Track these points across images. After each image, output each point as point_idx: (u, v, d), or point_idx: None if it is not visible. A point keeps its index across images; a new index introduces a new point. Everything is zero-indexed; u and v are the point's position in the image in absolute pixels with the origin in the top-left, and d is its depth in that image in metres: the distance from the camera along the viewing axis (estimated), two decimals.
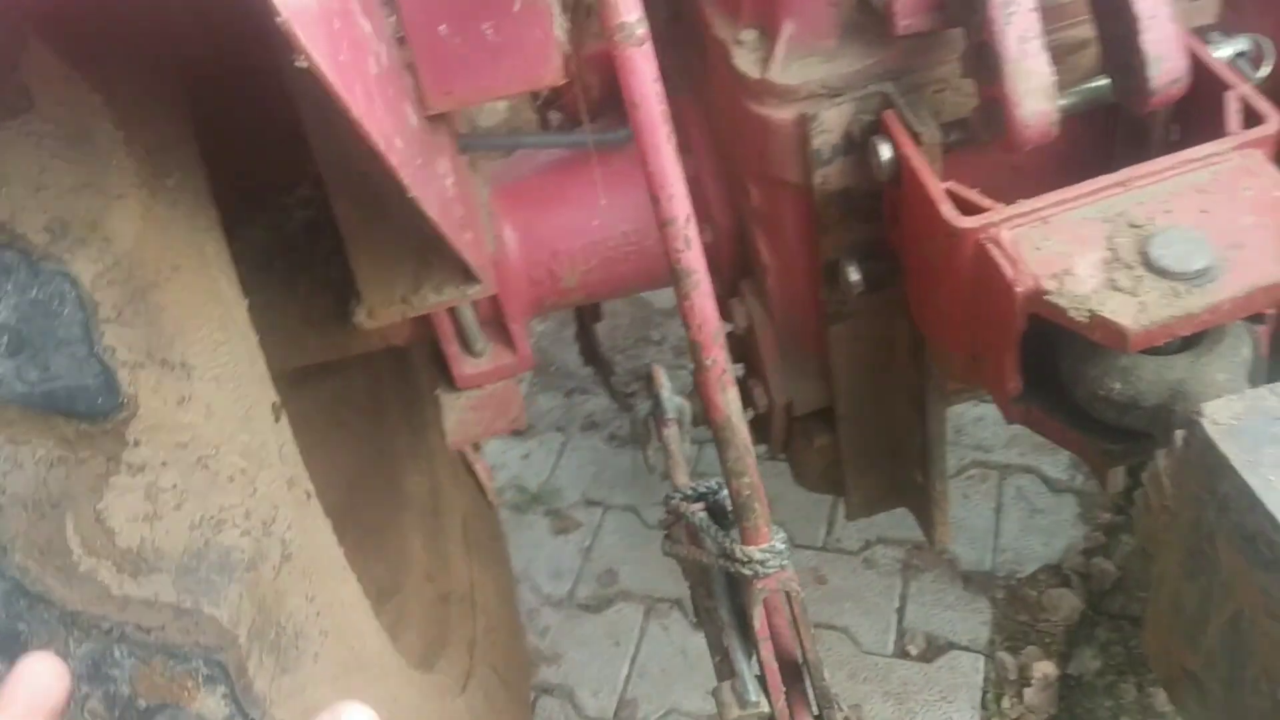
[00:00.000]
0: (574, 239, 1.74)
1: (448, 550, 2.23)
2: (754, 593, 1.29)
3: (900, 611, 2.43)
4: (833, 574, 2.52)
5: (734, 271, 1.73)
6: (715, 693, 1.34)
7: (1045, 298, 1.16)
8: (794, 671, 1.39)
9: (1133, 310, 1.12)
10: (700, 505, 1.41)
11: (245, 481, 1.06)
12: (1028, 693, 2.26)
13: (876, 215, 1.48)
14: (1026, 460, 2.66)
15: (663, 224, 1.17)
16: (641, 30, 1.11)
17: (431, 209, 1.25)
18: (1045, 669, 2.28)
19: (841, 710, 1.36)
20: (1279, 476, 0.92)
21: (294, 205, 1.77)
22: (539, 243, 1.74)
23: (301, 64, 0.79)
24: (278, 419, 1.20)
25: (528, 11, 1.19)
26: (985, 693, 2.27)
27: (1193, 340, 1.19)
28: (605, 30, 1.12)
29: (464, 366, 1.78)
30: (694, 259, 1.18)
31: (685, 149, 1.71)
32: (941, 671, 2.32)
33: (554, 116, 2.02)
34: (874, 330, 1.61)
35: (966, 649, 2.34)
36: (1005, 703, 2.25)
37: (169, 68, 1.11)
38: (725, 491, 1.38)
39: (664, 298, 3.20)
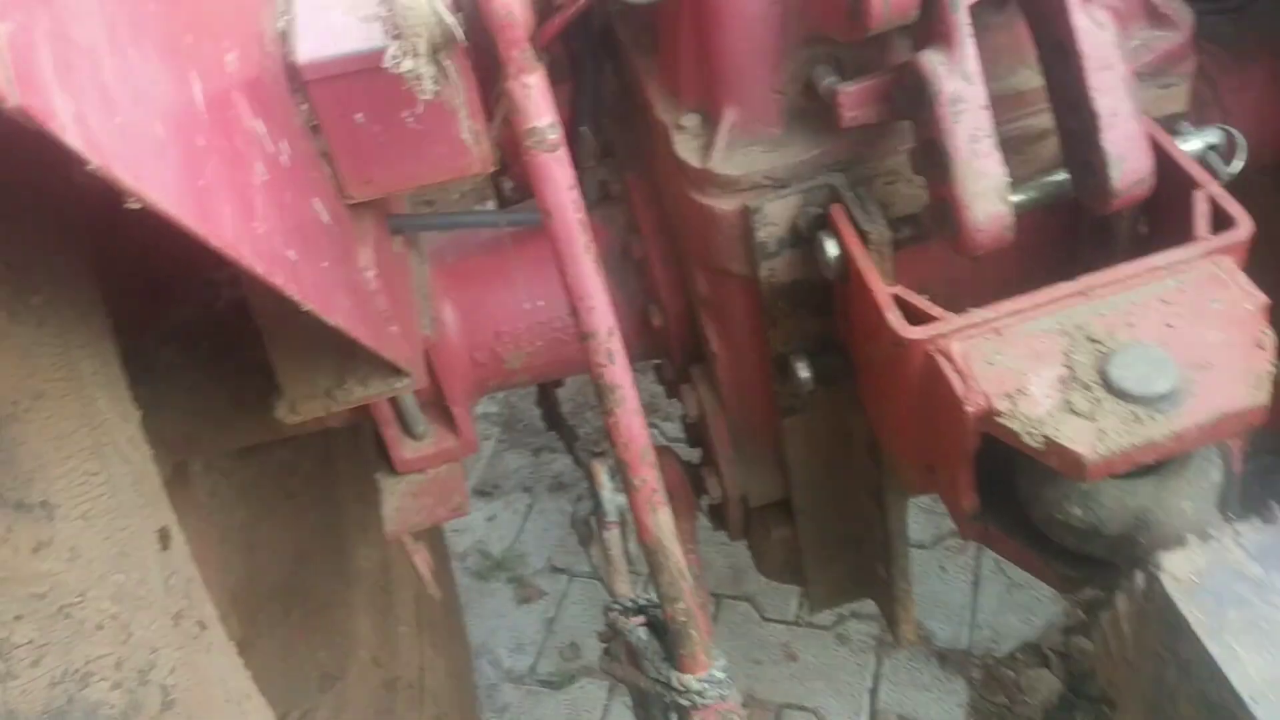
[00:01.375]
0: (518, 320, 1.66)
1: (398, 631, 2.13)
2: None
3: (873, 692, 2.33)
4: (804, 650, 2.43)
5: (684, 356, 1.64)
6: None
7: (997, 419, 1.08)
8: None
9: (1090, 437, 1.03)
10: (641, 619, 1.32)
11: (117, 628, 0.97)
12: None
13: (827, 309, 1.39)
14: None
15: (584, 337, 1.09)
16: (554, 136, 1.03)
17: (338, 314, 1.16)
18: None
19: None
20: (1244, 645, 0.83)
21: (223, 283, 1.68)
22: (481, 323, 1.65)
23: (133, 205, 0.70)
24: (167, 545, 1.11)
25: (434, 109, 1.11)
26: None
27: (1158, 464, 1.10)
28: (517, 135, 1.04)
29: (403, 450, 1.69)
30: (618, 374, 1.10)
31: (633, 229, 1.64)
32: None
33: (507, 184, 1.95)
34: (829, 424, 1.53)
35: None
36: None
37: (33, 171, 1.02)
38: (657, 610, 1.29)
39: None
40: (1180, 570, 0.87)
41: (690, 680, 1.19)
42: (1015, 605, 2.41)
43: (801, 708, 2.31)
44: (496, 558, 2.72)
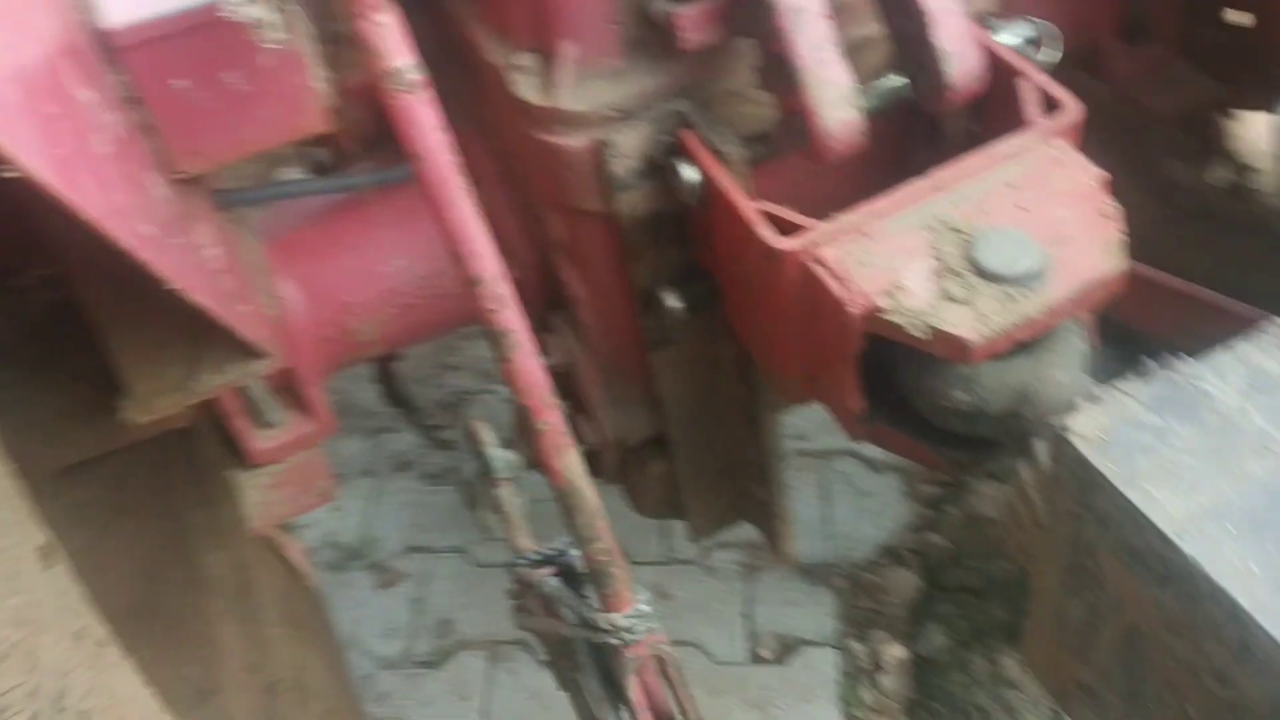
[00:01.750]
0: (365, 289, 1.60)
1: (267, 634, 2.04)
2: (625, 662, 1.19)
3: (747, 616, 2.39)
4: (675, 587, 2.46)
5: (543, 305, 1.62)
6: None
7: (881, 316, 1.11)
8: None
9: (971, 321, 1.08)
10: (550, 570, 1.30)
11: (22, 655, 0.89)
12: (883, 680, 2.25)
13: (687, 237, 1.40)
14: (845, 444, 2.65)
15: (471, 284, 1.05)
16: (414, 76, 0.99)
17: (198, 291, 1.09)
18: (895, 653, 2.28)
19: None
20: (1159, 488, 0.88)
21: (32, 287, 1.55)
22: (326, 297, 1.58)
23: (10, 174, 0.63)
24: (50, 563, 1.02)
25: (278, 59, 1.04)
26: (843, 686, 2.25)
27: (1028, 341, 1.16)
28: (374, 77, 1.00)
29: (257, 441, 1.61)
30: (510, 318, 1.07)
31: (474, 182, 1.59)
32: (797, 671, 2.29)
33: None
34: (698, 353, 1.54)
35: (817, 644, 2.32)
36: (864, 693, 2.24)
37: None
38: (573, 552, 1.28)
39: None
40: (1087, 429, 0.92)
41: (618, 618, 1.18)
42: (866, 512, 2.51)
43: (683, 642, 2.34)
44: (350, 546, 2.63)
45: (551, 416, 1.12)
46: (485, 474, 1.42)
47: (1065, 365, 1.15)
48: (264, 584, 2.09)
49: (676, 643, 2.27)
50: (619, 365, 1.58)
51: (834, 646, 2.32)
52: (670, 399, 1.59)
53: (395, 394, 2.38)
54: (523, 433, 1.14)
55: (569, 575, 1.30)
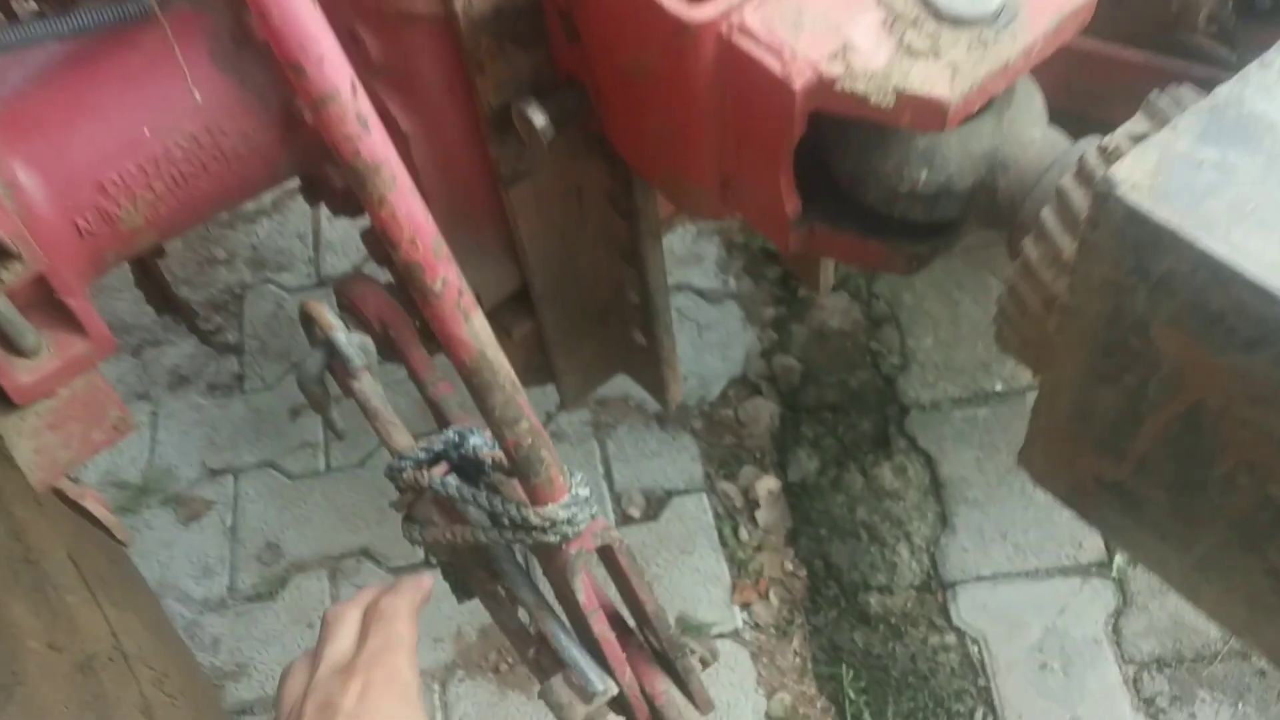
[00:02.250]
0: (123, 160, 1.24)
1: (65, 602, 1.70)
2: (570, 559, 0.97)
3: (608, 476, 2.21)
4: None
5: None
6: (545, 695, 1.03)
7: (834, 88, 0.89)
8: (626, 630, 1.11)
9: (944, 76, 0.88)
10: (443, 469, 1.05)
11: None
12: (760, 515, 2.14)
13: (541, 37, 1.13)
14: (674, 278, 2.47)
15: (319, 104, 0.76)
16: None
17: None
18: (768, 485, 2.17)
19: (694, 651, 1.10)
20: (1240, 233, 0.72)
21: None
22: (74, 178, 1.22)
23: None
24: None
25: None
26: (720, 530, 2.12)
27: (994, 97, 0.97)
28: None
29: (18, 375, 1.25)
30: (378, 146, 0.79)
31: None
32: (670, 524, 2.14)
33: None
34: (560, 183, 1.29)
35: (686, 492, 2.17)
36: (742, 533, 2.11)
37: None
38: (473, 439, 1.04)
39: None
40: (1136, 176, 0.75)
41: (555, 510, 0.95)
42: (710, 346, 2.36)
43: None
44: (138, 484, 2.27)
45: (448, 271, 0.86)
46: (336, 364, 1.14)
47: (1034, 121, 0.98)
48: (48, 547, 1.73)
49: None
50: (466, 211, 1.31)
51: (703, 491, 2.18)
52: (531, 244, 1.34)
53: (162, 297, 2.01)
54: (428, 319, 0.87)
55: (467, 470, 1.06)
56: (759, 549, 2.10)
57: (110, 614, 1.74)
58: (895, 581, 2.00)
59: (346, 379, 1.15)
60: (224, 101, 1.28)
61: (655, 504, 2.17)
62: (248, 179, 1.35)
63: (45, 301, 1.24)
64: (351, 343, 1.13)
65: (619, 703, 1.07)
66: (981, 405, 2.15)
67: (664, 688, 1.09)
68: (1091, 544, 1.97)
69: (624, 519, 2.16)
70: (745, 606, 2.03)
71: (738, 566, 2.07)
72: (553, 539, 0.97)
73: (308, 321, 1.15)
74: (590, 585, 1.01)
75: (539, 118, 1.13)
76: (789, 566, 2.07)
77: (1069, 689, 1.85)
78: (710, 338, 2.37)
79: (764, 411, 2.26)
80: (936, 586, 1.99)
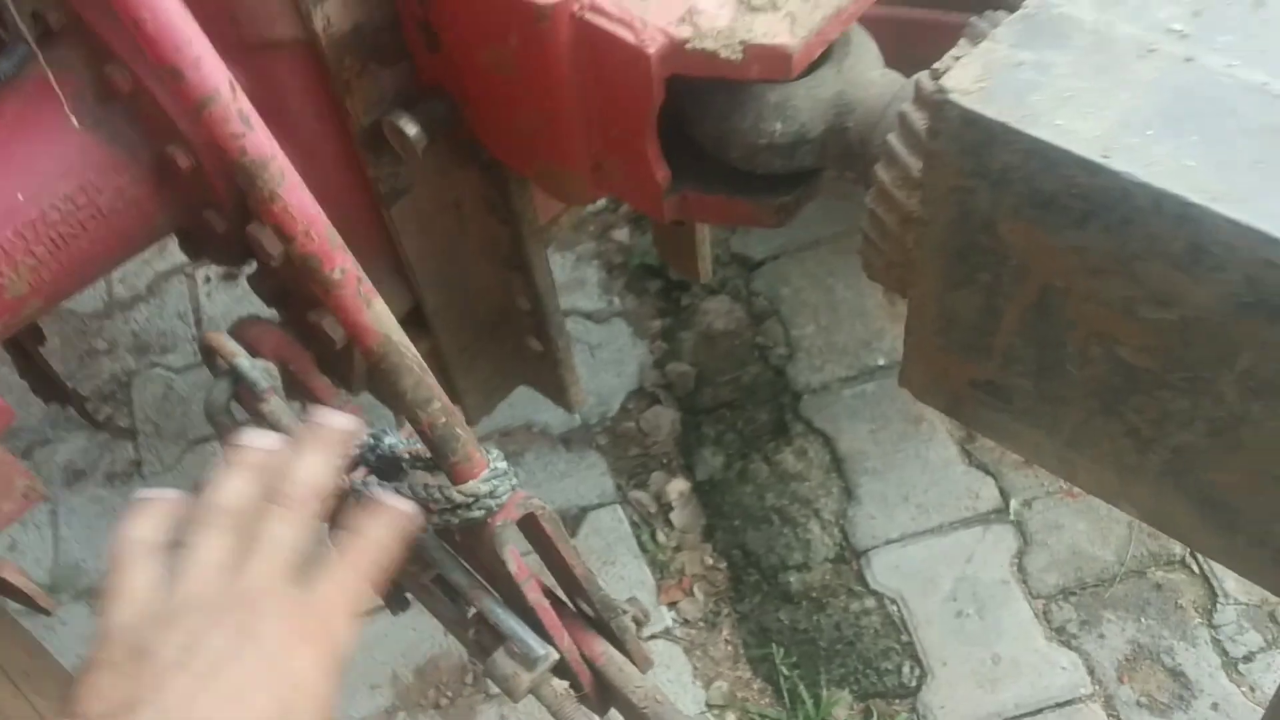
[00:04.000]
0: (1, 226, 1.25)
1: None
2: (497, 533, 1.01)
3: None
4: None
5: (236, 190, 1.34)
6: (490, 670, 1.06)
7: (686, 48, 0.97)
8: (558, 602, 1.15)
9: (784, 26, 0.96)
10: (362, 472, 1.08)
11: None
12: (674, 516, 2.19)
13: (402, 51, 1.18)
14: (561, 303, 2.52)
15: (200, 106, 0.80)
16: None
17: None
18: (678, 487, 2.22)
19: (626, 611, 1.14)
20: (1063, 119, 0.81)
21: None
22: None
23: None
24: None
25: None
26: (638, 537, 2.16)
27: (824, 54, 1.06)
28: None
29: None
30: (264, 142, 0.83)
31: (102, 58, 1.28)
32: (589, 538, 2.17)
33: None
34: (440, 196, 1.34)
35: (600, 506, 2.21)
36: (660, 536, 2.16)
37: None
38: (388, 439, 1.07)
39: (90, 299, 2.62)
40: (964, 84, 0.83)
41: (476, 485, 0.99)
42: (603, 365, 2.41)
43: None
44: (46, 584, 2.21)
45: (345, 260, 0.90)
46: (243, 389, 1.16)
47: (873, 63, 1.07)
48: None
49: None
50: (349, 237, 1.34)
51: (616, 503, 2.22)
52: (418, 262, 1.38)
53: (48, 385, 1.98)
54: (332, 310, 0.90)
55: (386, 470, 1.09)
56: (678, 549, 2.15)
57: (37, 703, 1.69)
58: (811, 558, 2.07)
59: (255, 404, 1.16)
60: (95, 159, 1.30)
61: (572, 522, 2.20)
62: (128, 236, 1.36)
63: None
64: (255, 367, 1.15)
65: (562, 668, 1.10)
66: (868, 380, 2.25)
67: (602, 649, 1.13)
68: (987, 493, 2.07)
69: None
70: (672, 605, 2.07)
71: (660, 569, 2.11)
72: (478, 514, 1.00)
73: (209, 353, 1.17)
74: (519, 556, 1.05)
75: (411, 127, 1.18)
76: (709, 561, 2.12)
77: (986, 630, 1.93)
78: (603, 356, 2.42)
79: (664, 418, 2.31)
80: (850, 556, 2.06)
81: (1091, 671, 1.89)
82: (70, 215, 1.29)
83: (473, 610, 1.08)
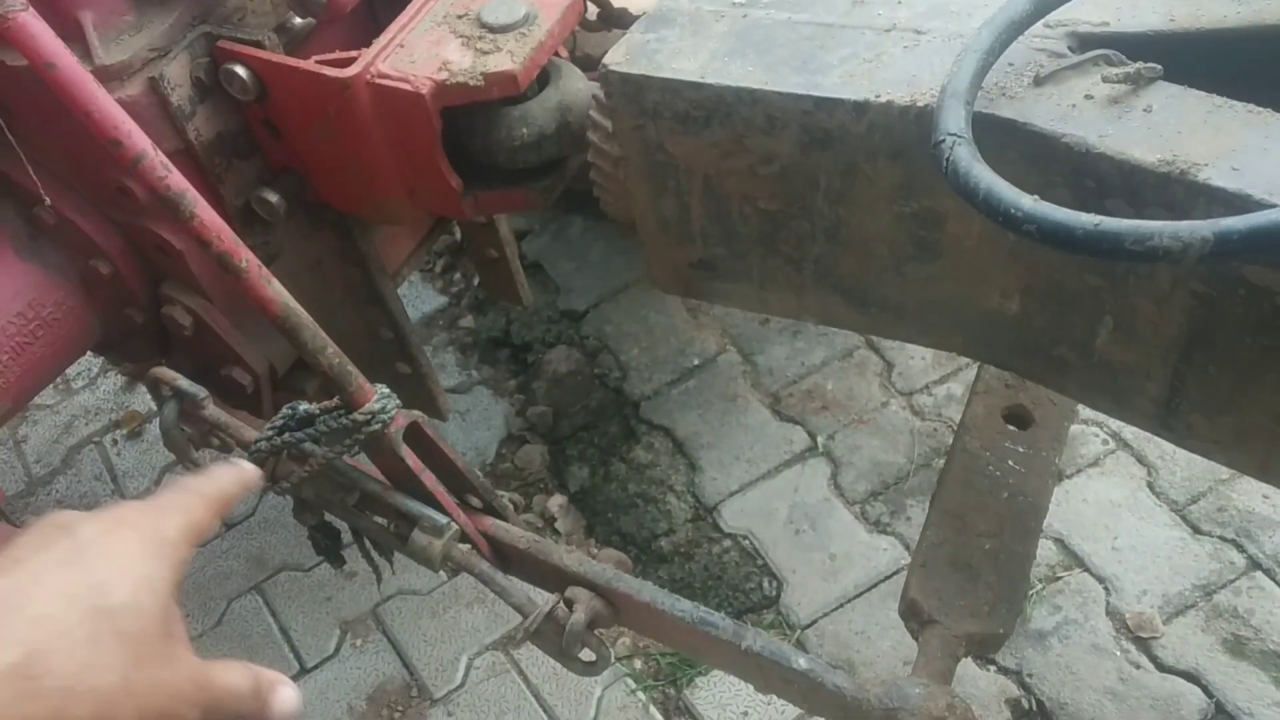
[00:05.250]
0: None
1: None
2: (394, 438, 1.41)
3: None
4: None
5: (147, 285, 1.75)
6: (409, 548, 1.45)
7: (447, 85, 1.45)
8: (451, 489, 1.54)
9: (507, 59, 1.45)
10: (300, 435, 1.46)
11: None
12: (559, 525, 2.59)
13: (254, 146, 1.64)
14: None
15: (135, 162, 1.23)
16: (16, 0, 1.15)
17: None
18: (556, 501, 2.62)
19: (504, 494, 1.55)
20: (675, 62, 1.31)
21: None
22: None
23: None
24: None
25: None
26: None
27: (543, 80, 1.55)
28: None
29: None
30: (179, 180, 1.26)
31: (25, 201, 1.68)
32: None
33: None
34: (304, 256, 1.77)
35: None
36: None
37: None
38: (302, 406, 1.47)
39: (12, 481, 2.93)
40: (616, 61, 1.33)
41: (371, 406, 1.40)
42: (474, 425, 2.82)
43: (395, 594, 2.51)
44: None
45: (247, 254, 1.33)
46: (188, 404, 1.55)
47: (578, 78, 1.57)
48: None
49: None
50: (240, 301, 1.76)
51: None
52: None
53: None
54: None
55: (304, 422, 1.48)
56: (571, 548, 2.54)
57: None
58: (674, 523, 2.49)
59: (197, 411, 1.56)
60: (35, 281, 1.71)
61: None
62: (70, 337, 1.76)
63: None
64: (191, 384, 1.55)
65: (465, 539, 1.50)
66: (689, 379, 2.72)
67: (491, 522, 1.53)
68: (798, 438, 2.54)
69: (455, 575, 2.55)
70: None
71: None
72: (376, 427, 1.41)
73: (155, 385, 1.56)
74: (413, 454, 1.46)
75: (273, 196, 1.63)
76: (594, 551, 2.52)
77: (820, 539, 2.38)
78: (472, 418, 2.84)
79: (534, 453, 2.73)
80: (704, 513, 2.49)
81: (907, 546, 2.34)
82: (23, 327, 1.69)
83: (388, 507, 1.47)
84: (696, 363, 2.75)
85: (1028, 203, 0.99)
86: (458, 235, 2.78)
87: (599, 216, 2.88)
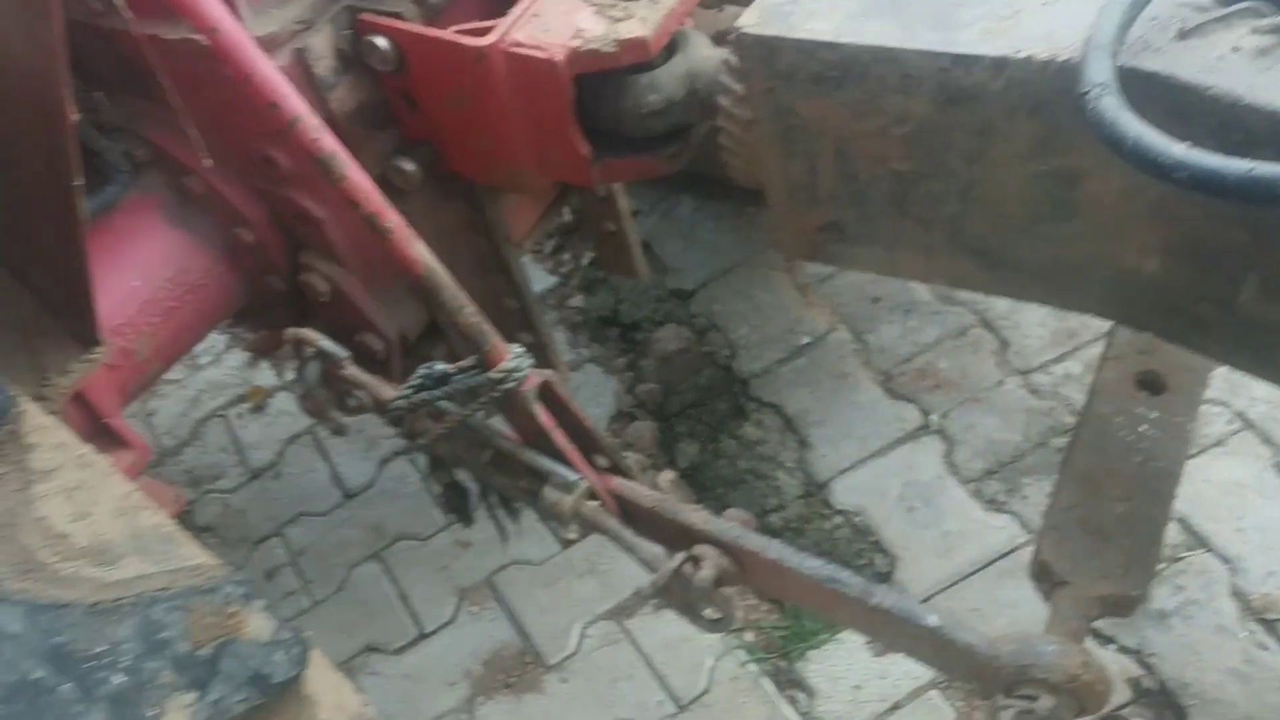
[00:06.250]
0: (127, 308, 1.73)
1: None
2: (527, 396, 1.46)
3: None
4: (473, 533, 2.66)
5: (288, 255, 1.82)
6: (540, 504, 1.49)
7: (580, 52, 1.48)
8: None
9: (637, 25, 1.48)
10: (443, 391, 1.51)
11: None
12: None
13: (393, 116, 1.69)
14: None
15: (291, 124, 1.29)
16: None
17: None
18: (666, 476, 2.61)
19: (628, 457, 1.58)
20: (811, 23, 1.32)
21: None
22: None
23: None
24: None
25: None
26: None
27: (670, 49, 1.58)
28: None
29: None
30: (332, 142, 1.32)
31: (180, 173, 1.77)
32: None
33: None
34: (435, 225, 1.82)
35: None
36: None
37: None
38: (438, 365, 1.52)
39: None
40: (751, 22, 1.35)
41: (507, 364, 1.44)
42: (585, 402, 2.79)
43: (512, 564, 2.57)
44: None
45: (393, 216, 1.38)
46: (330, 364, 1.61)
47: (706, 45, 1.59)
48: None
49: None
50: (375, 269, 1.83)
51: None
52: None
53: None
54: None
55: (440, 381, 1.53)
56: (694, 509, 2.57)
57: None
58: (784, 499, 2.50)
59: (337, 370, 1.62)
60: (184, 248, 1.79)
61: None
62: (215, 302, 1.84)
63: (96, 430, 1.68)
64: (332, 344, 1.61)
65: (593, 497, 1.54)
66: (798, 356, 2.73)
67: (618, 480, 1.57)
68: (910, 415, 2.53)
69: (566, 543, 2.59)
70: None
71: None
72: (511, 384, 1.46)
73: (298, 344, 1.63)
74: (545, 410, 1.50)
75: (409, 165, 1.68)
76: None
77: (934, 516, 2.37)
78: (583, 395, 2.88)
79: (644, 430, 2.77)
80: (814, 490, 2.50)
81: (1024, 525, 2.32)
82: (172, 291, 1.78)
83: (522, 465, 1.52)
84: (806, 341, 2.75)
85: (1179, 150, 0.99)
86: (567, 216, 2.83)
87: (708, 196, 2.91)
